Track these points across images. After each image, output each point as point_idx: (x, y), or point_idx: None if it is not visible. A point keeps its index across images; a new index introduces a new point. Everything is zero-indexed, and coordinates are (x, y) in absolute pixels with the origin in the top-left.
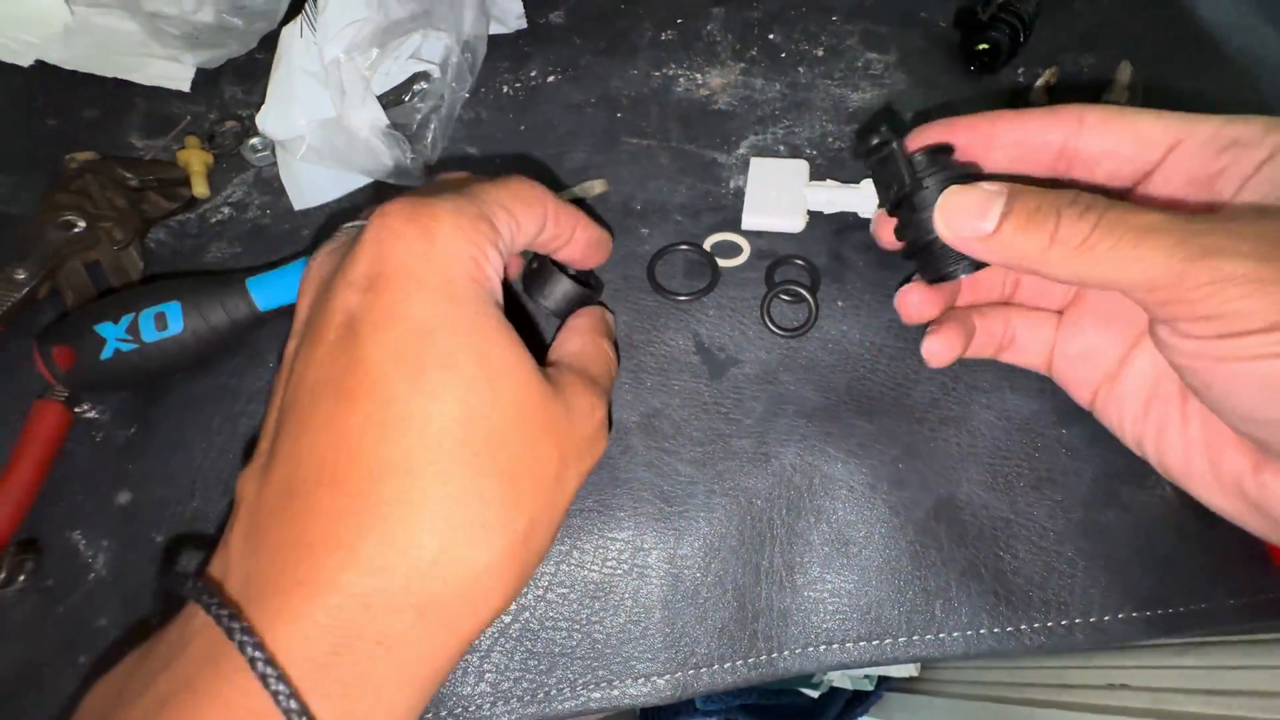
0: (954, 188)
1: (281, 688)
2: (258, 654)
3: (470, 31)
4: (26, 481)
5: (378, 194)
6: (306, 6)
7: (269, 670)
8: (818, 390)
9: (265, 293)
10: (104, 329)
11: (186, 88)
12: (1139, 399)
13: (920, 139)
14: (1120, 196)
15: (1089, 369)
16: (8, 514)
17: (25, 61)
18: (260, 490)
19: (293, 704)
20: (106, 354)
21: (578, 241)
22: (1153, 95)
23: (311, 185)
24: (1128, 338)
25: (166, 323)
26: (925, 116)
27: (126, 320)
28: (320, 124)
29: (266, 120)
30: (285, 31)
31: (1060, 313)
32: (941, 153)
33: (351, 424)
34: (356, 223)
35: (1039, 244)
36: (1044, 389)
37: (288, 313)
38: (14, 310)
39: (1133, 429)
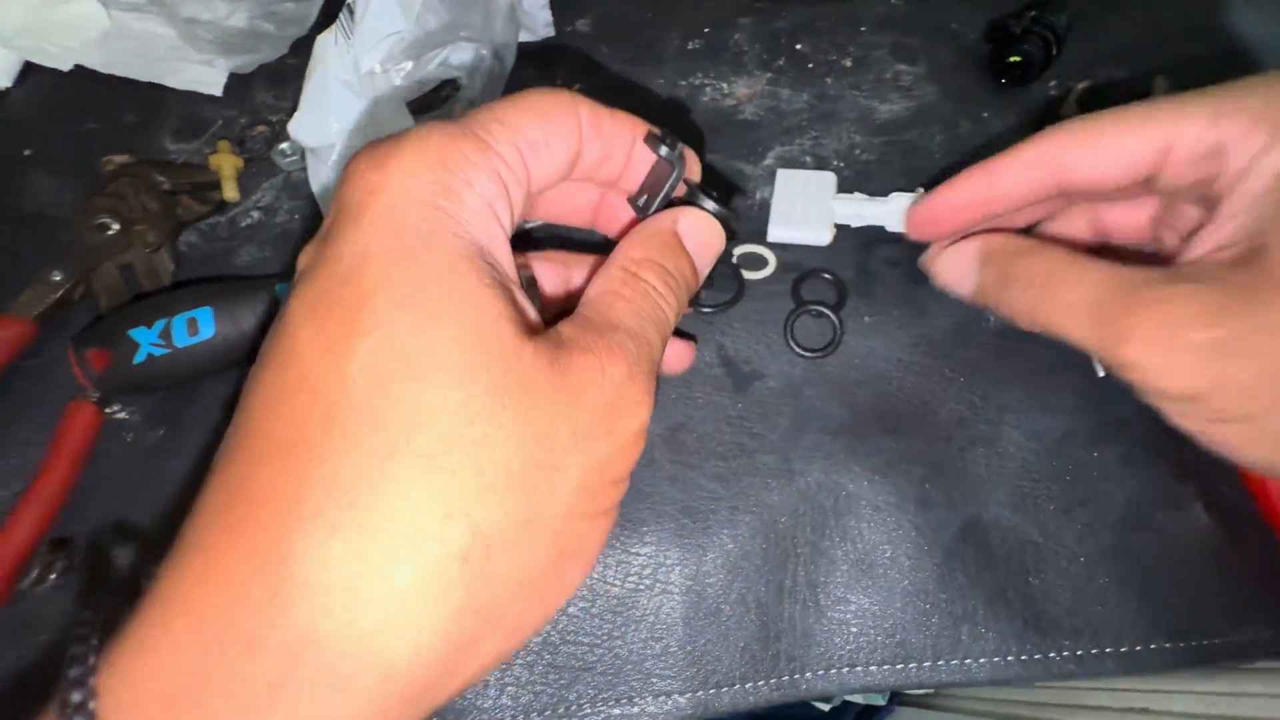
0: (944, 252)
1: None
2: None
3: (500, 39)
4: (59, 482)
5: None
6: (341, 15)
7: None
8: (843, 406)
9: None
10: (138, 333)
11: (219, 92)
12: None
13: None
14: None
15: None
16: (41, 514)
17: (65, 66)
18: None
19: None
20: (140, 358)
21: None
22: None
23: None
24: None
25: (198, 328)
26: (955, 132)
27: (160, 325)
28: (353, 132)
29: (299, 128)
30: (320, 40)
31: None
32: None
33: (253, 394)
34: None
35: (1017, 296)
36: (1076, 408)
37: None
38: (49, 311)
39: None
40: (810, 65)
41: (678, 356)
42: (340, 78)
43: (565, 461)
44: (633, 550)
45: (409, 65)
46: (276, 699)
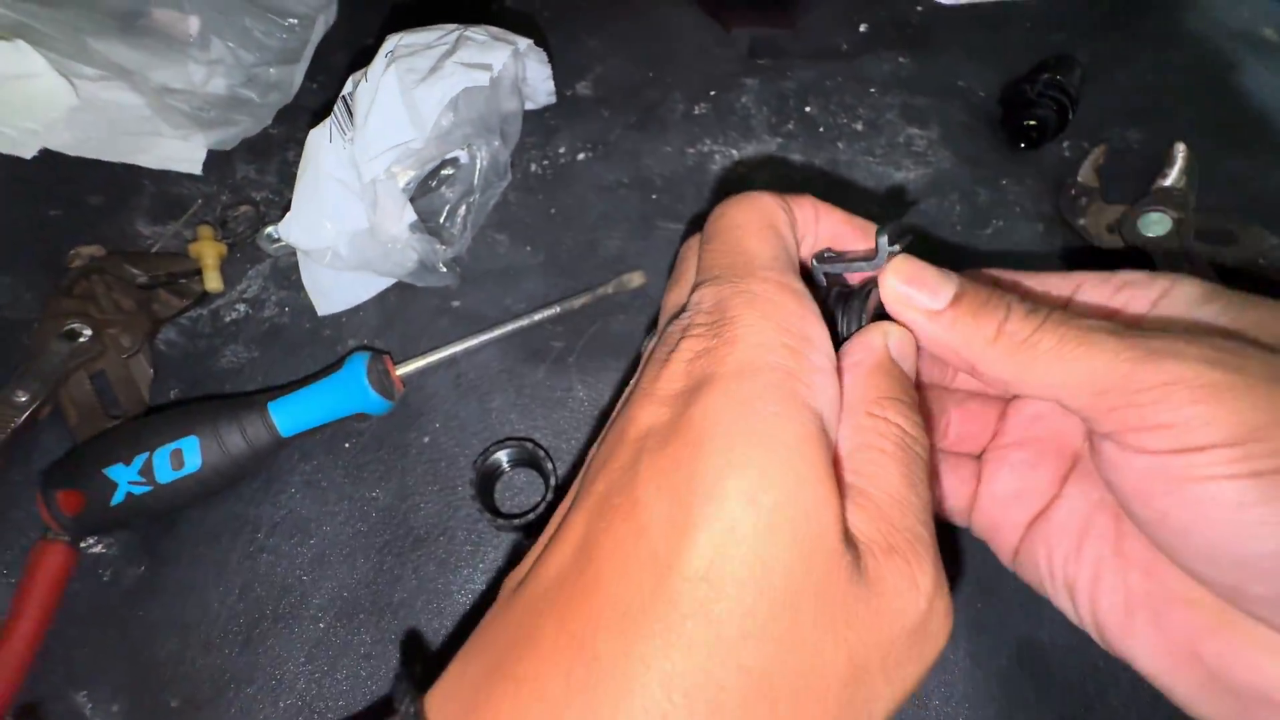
0: (908, 257)
1: None
2: None
3: (505, 119)
4: (27, 638)
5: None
6: (336, 111)
7: None
8: None
9: (289, 417)
10: (115, 471)
11: (198, 169)
12: (1071, 535)
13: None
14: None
15: (1019, 510)
16: (7, 680)
17: (29, 153)
18: (509, 593)
19: None
20: (118, 498)
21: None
22: (1209, 177)
23: (337, 289)
24: (1059, 471)
25: (183, 460)
26: (974, 201)
27: (140, 461)
28: (352, 235)
29: (292, 230)
30: (312, 136)
31: (978, 457)
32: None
33: (601, 549)
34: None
35: (985, 334)
36: None
37: (312, 435)
38: (12, 436)
39: (1063, 573)
40: (820, 129)
41: None
42: (336, 176)
43: (877, 694)
44: None
45: (414, 172)
46: None
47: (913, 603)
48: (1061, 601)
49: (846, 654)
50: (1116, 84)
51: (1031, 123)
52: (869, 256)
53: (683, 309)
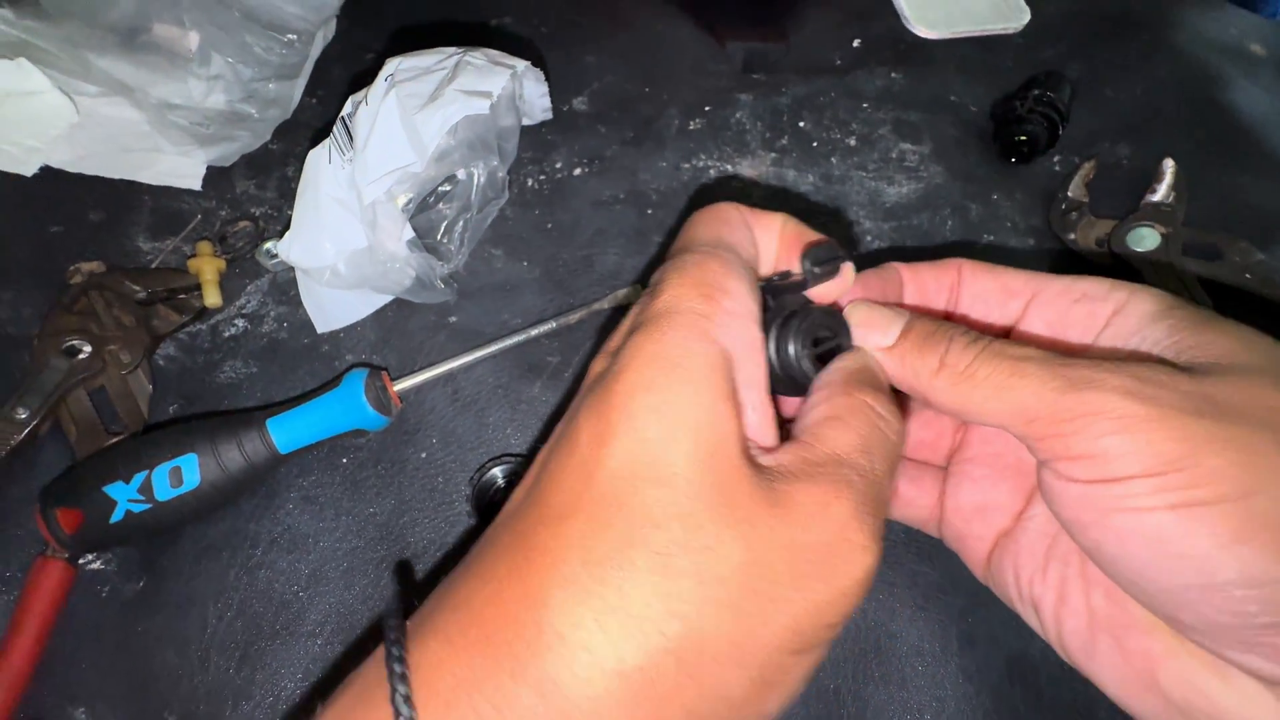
0: (863, 302)
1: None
2: (400, 687)
3: (503, 135)
4: (26, 654)
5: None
6: (336, 132)
7: (404, 708)
8: None
9: (287, 434)
10: (114, 490)
11: (197, 185)
12: (1037, 554)
13: (854, 290)
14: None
15: (984, 524)
16: (6, 697)
17: (29, 170)
18: (496, 522)
19: None
20: (117, 516)
21: (788, 235)
22: (1197, 192)
23: (336, 307)
24: (1022, 489)
25: (182, 478)
26: (966, 215)
27: (139, 479)
28: (351, 254)
29: (292, 250)
30: (311, 157)
31: (944, 468)
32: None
33: (546, 469)
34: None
35: (929, 366)
36: None
37: (310, 451)
38: (13, 454)
39: (1029, 590)
40: (814, 144)
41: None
42: (335, 197)
43: (780, 595)
44: None
45: (413, 194)
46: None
47: (821, 523)
48: (1030, 618)
49: (744, 545)
50: (1106, 100)
51: (1022, 138)
52: (801, 281)
53: None
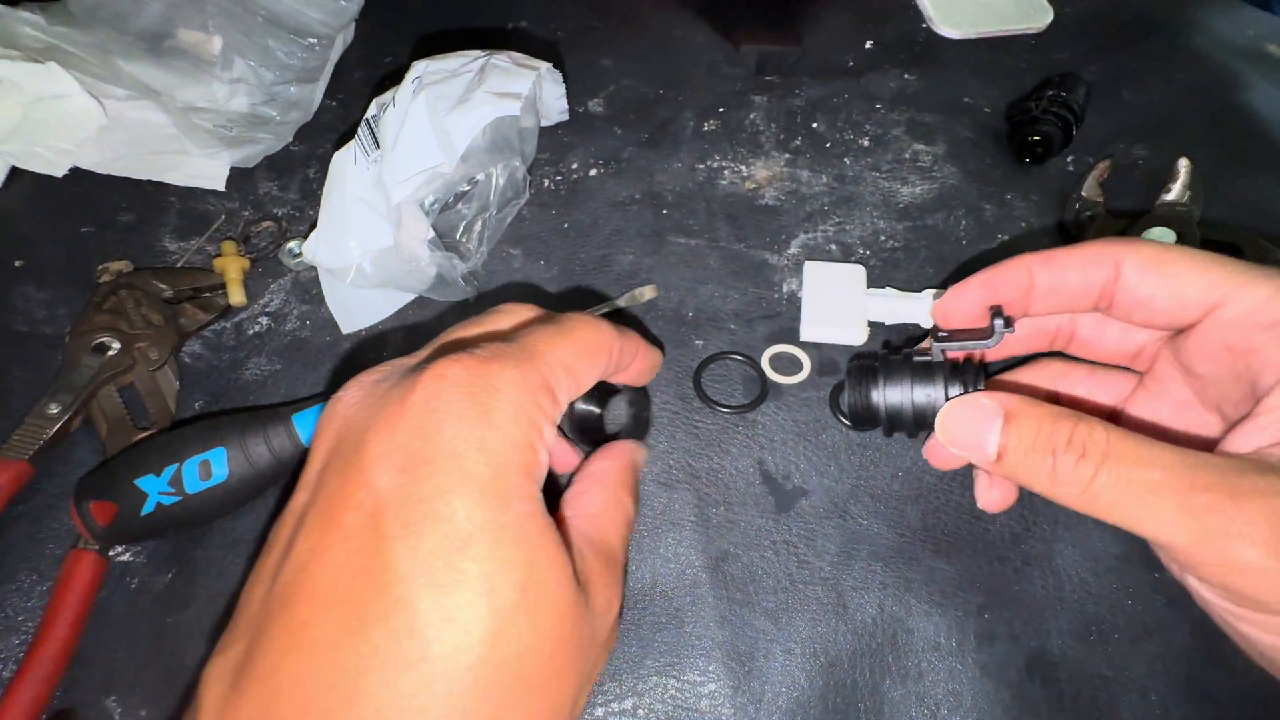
0: (953, 404)
1: None
2: None
3: (522, 130)
4: (60, 646)
5: (420, 308)
6: (360, 133)
7: None
8: (891, 527)
9: (312, 429)
10: (145, 483)
11: (221, 186)
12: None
13: (958, 300)
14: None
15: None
16: (42, 685)
17: (59, 171)
18: (222, 712)
19: None
20: (148, 508)
21: (633, 369)
22: (1214, 193)
23: (360, 307)
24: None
25: (211, 471)
26: (980, 215)
27: (169, 472)
28: (376, 253)
29: (318, 250)
30: (337, 158)
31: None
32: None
33: (359, 655)
34: (406, 363)
35: (1040, 482)
36: None
37: None
38: (46, 447)
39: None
40: (828, 145)
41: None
42: (360, 197)
43: (583, 695)
44: (685, 706)
45: (440, 195)
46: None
47: (608, 619)
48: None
49: (579, 677)
50: (1122, 101)
51: (1036, 138)
52: (984, 335)
53: None
